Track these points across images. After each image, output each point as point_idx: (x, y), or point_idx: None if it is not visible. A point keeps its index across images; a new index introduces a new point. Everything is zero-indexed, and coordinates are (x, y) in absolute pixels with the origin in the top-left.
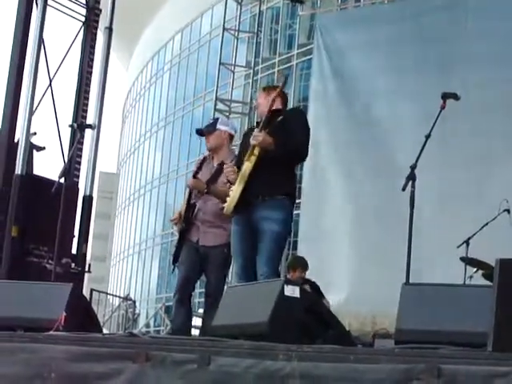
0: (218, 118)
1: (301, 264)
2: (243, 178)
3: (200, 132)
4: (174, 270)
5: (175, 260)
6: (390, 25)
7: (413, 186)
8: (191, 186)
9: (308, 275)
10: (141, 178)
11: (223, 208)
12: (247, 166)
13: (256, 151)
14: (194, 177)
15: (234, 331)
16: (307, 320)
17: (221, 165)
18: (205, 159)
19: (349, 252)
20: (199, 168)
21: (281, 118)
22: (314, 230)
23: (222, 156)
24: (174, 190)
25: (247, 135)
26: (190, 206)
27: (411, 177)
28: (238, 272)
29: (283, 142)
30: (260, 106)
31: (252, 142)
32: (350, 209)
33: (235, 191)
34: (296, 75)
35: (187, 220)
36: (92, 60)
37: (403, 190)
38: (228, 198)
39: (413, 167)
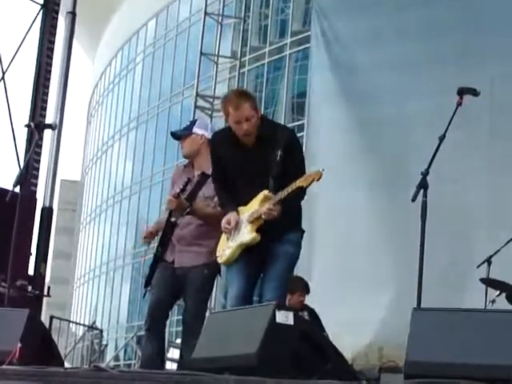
0: (195, 120)
1: (300, 286)
2: (242, 246)
3: (175, 135)
4: (145, 294)
5: (147, 284)
6: (398, 10)
7: (424, 196)
8: (172, 207)
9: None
10: (109, 187)
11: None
12: (252, 239)
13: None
14: (176, 197)
15: (217, 364)
16: (302, 351)
17: (202, 176)
18: (184, 168)
19: (350, 273)
20: (184, 187)
21: (279, 154)
22: (307, 246)
23: (201, 163)
24: (147, 200)
25: (220, 143)
26: (168, 225)
27: (423, 185)
28: (237, 295)
29: (295, 196)
30: (247, 127)
31: (265, 217)
32: (351, 222)
33: (232, 252)
34: (289, 67)
35: (163, 241)
36: (52, 50)
37: (413, 200)
38: (226, 251)
39: (424, 174)
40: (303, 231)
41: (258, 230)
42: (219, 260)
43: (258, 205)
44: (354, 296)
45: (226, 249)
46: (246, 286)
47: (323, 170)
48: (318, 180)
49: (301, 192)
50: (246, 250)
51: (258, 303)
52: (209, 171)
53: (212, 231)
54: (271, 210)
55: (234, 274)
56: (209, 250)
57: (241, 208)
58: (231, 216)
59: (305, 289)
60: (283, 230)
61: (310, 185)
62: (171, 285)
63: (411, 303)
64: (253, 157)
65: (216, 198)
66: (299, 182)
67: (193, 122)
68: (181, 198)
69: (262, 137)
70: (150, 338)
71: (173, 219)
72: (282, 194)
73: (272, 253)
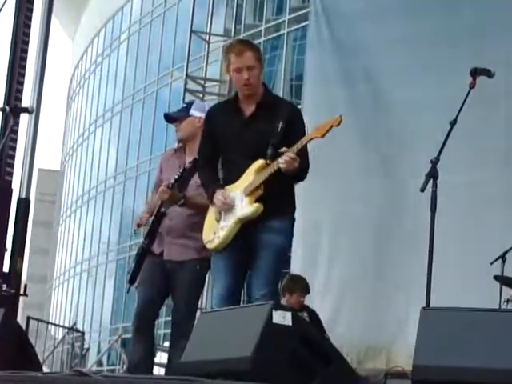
0: (192, 102)
1: (300, 286)
2: (241, 221)
3: (169, 118)
4: (129, 290)
5: (133, 280)
6: None
7: (434, 186)
8: (164, 199)
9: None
10: (91, 177)
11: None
12: (255, 210)
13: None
14: (169, 187)
15: (209, 369)
16: (302, 354)
17: (195, 162)
18: (175, 152)
19: (352, 269)
20: (180, 176)
21: (281, 125)
22: (310, 243)
23: (194, 149)
24: (132, 191)
25: (216, 115)
26: (157, 215)
27: (432, 174)
28: (223, 293)
29: (302, 166)
30: (248, 76)
31: (285, 166)
32: (356, 215)
33: (229, 231)
34: (287, 47)
35: (151, 231)
36: (29, 27)
37: (422, 190)
38: (219, 233)
39: (434, 162)
40: (294, 219)
41: (256, 202)
42: (210, 245)
43: (253, 176)
44: (360, 296)
45: (218, 230)
46: (234, 282)
47: (341, 116)
48: (338, 125)
49: (307, 165)
50: (232, 241)
51: (246, 303)
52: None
53: (203, 223)
54: (293, 160)
55: (220, 269)
56: (201, 243)
57: (229, 186)
58: (223, 193)
59: (305, 289)
60: (272, 215)
61: (326, 133)
62: (160, 282)
63: (421, 303)
64: (251, 126)
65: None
66: (312, 134)
67: (190, 104)
68: (173, 190)
69: (263, 106)
70: (138, 339)
71: (162, 210)
72: (298, 144)
73: (259, 243)
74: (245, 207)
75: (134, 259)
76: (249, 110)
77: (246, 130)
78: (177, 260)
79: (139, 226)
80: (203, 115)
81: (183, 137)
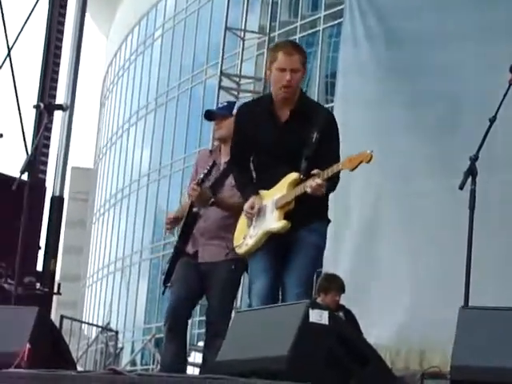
0: (234, 102)
1: (335, 285)
2: (268, 234)
3: (210, 115)
4: (164, 291)
5: (167, 280)
6: None
7: (473, 184)
8: (194, 197)
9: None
10: (124, 176)
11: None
12: (282, 227)
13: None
14: (199, 184)
15: (244, 368)
16: (338, 353)
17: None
18: (211, 153)
19: (387, 269)
20: (209, 172)
21: (316, 136)
22: (339, 242)
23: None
24: (166, 190)
25: (249, 114)
26: (190, 216)
27: (471, 171)
28: (262, 293)
29: (333, 180)
30: (291, 78)
31: (311, 191)
32: (390, 212)
33: (256, 242)
34: (323, 44)
35: (185, 232)
36: (63, 24)
37: (461, 188)
38: (248, 240)
39: (474, 159)
40: (329, 221)
41: (286, 217)
42: (238, 250)
43: (287, 189)
44: (391, 296)
45: (247, 237)
46: (272, 282)
47: (372, 152)
48: (368, 162)
49: (338, 178)
50: (270, 239)
51: (280, 301)
52: None
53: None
54: (320, 186)
55: (258, 268)
56: (229, 248)
57: (263, 192)
58: (254, 200)
59: (340, 288)
60: (311, 218)
61: (356, 167)
62: (194, 281)
63: (457, 303)
64: (286, 132)
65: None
66: (343, 165)
67: (232, 103)
68: (203, 187)
69: (298, 112)
70: (171, 339)
71: (195, 209)
72: (329, 171)
73: (297, 243)
74: (274, 221)
75: (168, 260)
76: (283, 114)
77: (280, 136)
78: (211, 261)
79: (168, 226)
80: None
81: (224, 136)
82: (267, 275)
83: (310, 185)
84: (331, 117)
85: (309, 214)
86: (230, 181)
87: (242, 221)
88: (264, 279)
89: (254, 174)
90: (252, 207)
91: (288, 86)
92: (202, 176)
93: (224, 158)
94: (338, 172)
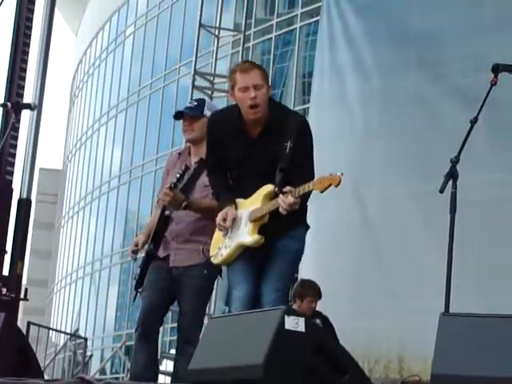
0: (203, 100)
1: (312, 291)
2: (241, 247)
3: (180, 115)
4: (135, 298)
5: (138, 285)
6: None
7: (454, 187)
8: (166, 202)
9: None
10: (94, 177)
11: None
12: (254, 241)
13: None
14: (171, 188)
15: (217, 377)
16: (315, 362)
17: (201, 162)
18: (179, 156)
19: (365, 273)
20: (181, 176)
21: (289, 145)
22: (315, 245)
23: (203, 149)
24: (138, 192)
25: (220, 127)
26: (162, 219)
27: (452, 174)
28: (244, 298)
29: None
30: (256, 95)
31: (284, 211)
32: (366, 218)
33: (230, 253)
34: (299, 42)
35: (156, 236)
36: (31, 21)
37: (441, 191)
38: (222, 251)
39: (454, 162)
40: (308, 226)
41: (260, 231)
42: (213, 260)
43: (261, 201)
44: (371, 301)
45: (222, 248)
46: (254, 287)
47: (342, 175)
48: (337, 186)
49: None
50: (245, 250)
51: (257, 307)
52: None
53: (211, 225)
54: (294, 204)
55: (239, 274)
56: (208, 246)
57: (239, 201)
58: (228, 211)
59: (317, 294)
60: (288, 227)
61: (325, 190)
62: (165, 286)
63: (438, 309)
64: (257, 148)
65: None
66: (314, 185)
67: (202, 102)
68: (175, 191)
69: (270, 124)
70: (142, 346)
71: (167, 212)
72: (300, 190)
73: (275, 249)
74: (247, 235)
75: (140, 265)
76: (254, 131)
77: (252, 151)
78: (183, 265)
79: (135, 252)
80: None
81: (196, 137)
82: (247, 285)
83: (283, 204)
84: (304, 123)
85: (285, 223)
86: (202, 181)
87: (218, 230)
88: (244, 289)
89: (231, 182)
90: (224, 219)
91: (255, 105)
92: (174, 180)
93: (194, 159)
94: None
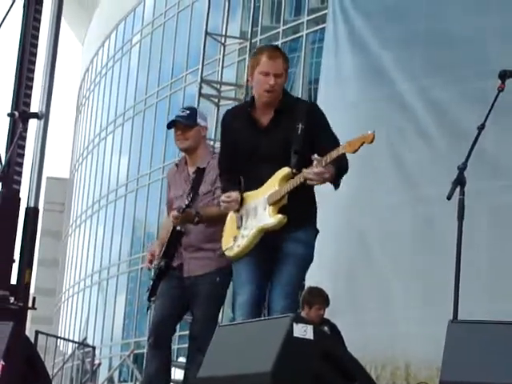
0: (195, 109)
1: (320, 298)
2: (263, 231)
3: (173, 124)
4: (148, 308)
5: (151, 296)
6: None
7: (461, 194)
8: (179, 223)
9: None
10: (101, 186)
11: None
12: (278, 221)
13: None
14: (180, 212)
15: None
16: (323, 370)
17: (198, 171)
18: (177, 167)
19: (372, 279)
20: (191, 199)
21: (300, 127)
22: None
23: (198, 158)
24: (145, 200)
25: (231, 121)
26: (174, 235)
27: (460, 181)
28: (245, 307)
29: (340, 165)
30: (274, 83)
31: (312, 182)
32: (371, 224)
33: (250, 240)
34: (306, 49)
35: (169, 250)
36: (37, 29)
37: (448, 198)
38: (239, 241)
39: (462, 168)
40: (317, 231)
41: (280, 213)
42: (229, 253)
43: (278, 184)
44: (378, 309)
45: (238, 238)
46: (256, 295)
47: (374, 132)
48: (370, 143)
49: (346, 162)
50: (255, 248)
51: (267, 315)
52: (203, 165)
53: (220, 232)
54: (322, 173)
55: (242, 280)
56: (219, 253)
57: (250, 193)
58: (231, 192)
59: (324, 302)
60: (297, 226)
61: (357, 149)
62: (178, 295)
63: (444, 315)
64: (270, 135)
65: (217, 192)
66: (344, 148)
67: (193, 111)
68: (187, 211)
69: (280, 111)
70: (155, 355)
71: (178, 228)
72: (328, 157)
73: (284, 254)
74: (268, 217)
75: (152, 277)
76: (266, 118)
77: (264, 140)
78: (195, 275)
79: (151, 262)
80: (206, 124)
81: (190, 146)
82: (251, 287)
83: (310, 175)
84: (314, 106)
85: (297, 218)
86: (202, 190)
87: (230, 223)
88: (248, 291)
89: (243, 181)
90: (229, 196)
91: (271, 91)
92: (184, 206)
93: (191, 169)
94: (343, 156)
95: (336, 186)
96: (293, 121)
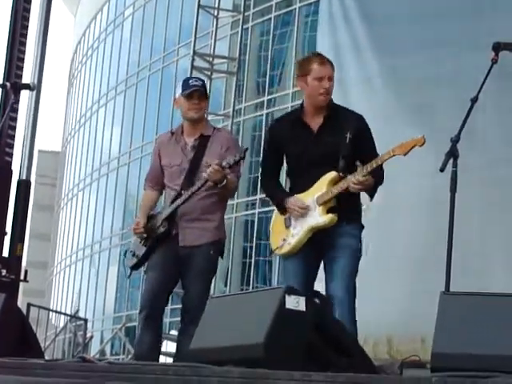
0: (203, 80)
1: None
2: (313, 229)
3: (204, 90)
4: (130, 275)
5: (138, 265)
6: None
7: (454, 166)
8: (217, 178)
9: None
10: (93, 159)
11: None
12: (330, 220)
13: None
14: (221, 166)
15: (219, 356)
16: (316, 341)
17: (202, 138)
18: (172, 135)
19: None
20: (239, 160)
21: (349, 136)
22: None
23: (202, 127)
24: (137, 173)
25: (282, 128)
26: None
27: (453, 153)
28: None
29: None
30: (329, 86)
31: (355, 189)
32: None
33: (301, 238)
34: (298, 23)
35: (172, 218)
36: (29, 2)
37: (441, 170)
38: (289, 240)
39: (455, 140)
40: (363, 226)
41: (329, 213)
42: (279, 251)
43: (326, 187)
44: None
45: (289, 237)
46: (305, 287)
47: (424, 136)
48: (421, 145)
49: (382, 172)
50: (304, 246)
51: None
52: (207, 133)
53: (219, 203)
54: (363, 181)
55: (291, 272)
56: (216, 225)
57: (299, 195)
58: (298, 199)
59: None
60: (348, 221)
61: (408, 152)
62: (171, 268)
63: (430, 289)
64: (320, 139)
65: (225, 163)
66: (394, 151)
67: (204, 82)
68: (226, 170)
69: (330, 118)
70: (147, 327)
71: (183, 192)
72: (368, 166)
73: (337, 247)
74: (319, 216)
75: (147, 244)
76: (315, 122)
77: (315, 144)
78: (192, 245)
79: (136, 231)
80: None
81: (201, 116)
82: (299, 280)
83: (354, 185)
84: (362, 119)
85: (348, 214)
86: (206, 160)
87: (277, 223)
88: (296, 284)
89: (290, 183)
90: (301, 204)
91: (327, 94)
92: (232, 162)
93: (189, 139)
94: (381, 169)
95: (372, 196)
96: (341, 128)
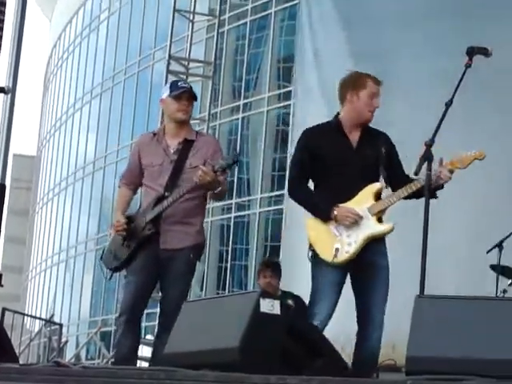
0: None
1: (274, 268)
2: (370, 238)
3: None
4: (111, 277)
5: (120, 268)
6: None
7: (429, 169)
8: (205, 182)
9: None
10: (69, 163)
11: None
12: (389, 228)
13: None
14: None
15: (194, 360)
16: (290, 344)
17: (186, 143)
18: (154, 136)
19: None
20: (234, 163)
21: (384, 150)
22: (295, 230)
23: (185, 131)
24: (112, 178)
25: (318, 137)
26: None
27: (427, 157)
28: (324, 321)
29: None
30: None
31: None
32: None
33: (358, 247)
34: (274, 27)
35: (157, 220)
36: (4, 4)
37: (416, 173)
38: (346, 248)
39: (429, 144)
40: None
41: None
42: (335, 260)
43: (373, 198)
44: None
45: (344, 245)
46: (335, 303)
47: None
48: (482, 159)
49: None
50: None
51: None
52: (191, 138)
53: (200, 207)
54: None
55: (323, 289)
56: (197, 229)
57: (342, 205)
58: (345, 208)
59: (280, 272)
60: (381, 239)
61: (468, 165)
62: (152, 272)
63: (404, 292)
64: (360, 151)
65: (217, 166)
66: (457, 164)
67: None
68: (218, 175)
69: (367, 132)
70: (127, 331)
71: (166, 194)
72: (446, 171)
73: (376, 267)
74: (376, 225)
75: (131, 246)
76: (353, 135)
77: (354, 155)
78: (174, 248)
79: (118, 230)
80: None
81: (187, 118)
82: (334, 290)
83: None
84: (389, 137)
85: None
86: (189, 162)
87: (323, 232)
88: (325, 306)
89: (323, 192)
90: (355, 214)
91: (373, 111)
92: (225, 165)
93: (172, 141)
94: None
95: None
96: (376, 143)
